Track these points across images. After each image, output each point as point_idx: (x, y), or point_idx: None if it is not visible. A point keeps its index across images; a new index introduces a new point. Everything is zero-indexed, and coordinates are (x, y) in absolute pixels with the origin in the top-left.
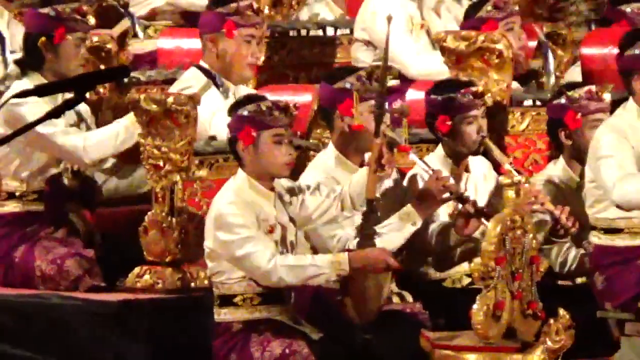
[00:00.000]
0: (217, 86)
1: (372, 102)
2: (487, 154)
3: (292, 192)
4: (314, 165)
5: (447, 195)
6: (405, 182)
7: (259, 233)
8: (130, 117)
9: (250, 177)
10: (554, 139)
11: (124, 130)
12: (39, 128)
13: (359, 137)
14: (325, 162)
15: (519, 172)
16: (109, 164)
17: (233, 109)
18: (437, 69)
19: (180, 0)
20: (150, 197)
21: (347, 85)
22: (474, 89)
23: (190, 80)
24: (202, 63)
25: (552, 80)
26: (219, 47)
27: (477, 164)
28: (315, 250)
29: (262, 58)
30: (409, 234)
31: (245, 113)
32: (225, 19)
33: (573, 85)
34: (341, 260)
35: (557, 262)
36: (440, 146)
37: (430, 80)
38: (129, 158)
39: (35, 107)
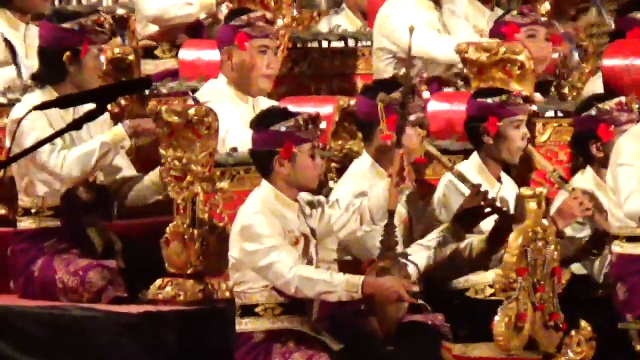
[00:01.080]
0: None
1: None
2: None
3: (312, 205)
4: (352, 174)
5: (488, 210)
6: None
7: (285, 243)
8: (110, 134)
9: (275, 188)
10: (582, 151)
11: (100, 148)
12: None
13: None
14: (362, 171)
15: (563, 180)
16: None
17: (261, 123)
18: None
19: (162, 14)
20: (170, 208)
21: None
22: (524, 93)
23: (205, 95)
24: (220, 77)
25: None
26: (234, 60)
27: (507, 180)
28: (356, 260)
29: (278, 69)
30: (456, 247)
31: (284, 129)
32: (238, 31)
33: (600, 98)
34: (356, 283)
35: (602, 273)
36: (475, 155)
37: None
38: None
39: (34, 122)
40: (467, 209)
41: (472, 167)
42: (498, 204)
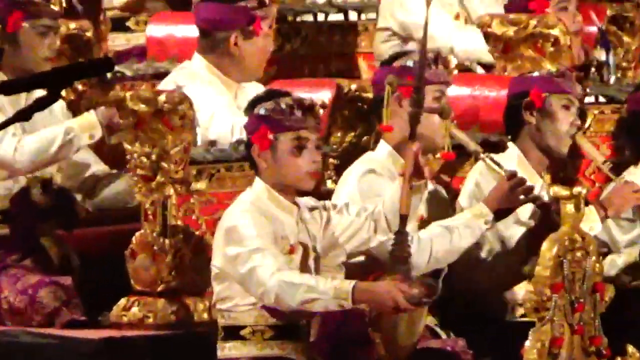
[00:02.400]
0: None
1: (437, 87)
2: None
3: (315, 210)
4: (363, 159)
5: (522, 197)
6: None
7: (272, 247)
8: (78, 119)
9: (269, 187)
10: (636, 135)
11: (62, 135)
12: None
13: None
14: (377, 158)
15: (613, 170)
16: (91, 171)
17: (250, 105)
18: (482, 45)
19: None
20: (137, 214)
21: (409, 63)
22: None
23: (178, 79)
24: (197, 58)
25: (613, 77)
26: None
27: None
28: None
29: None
30: (480, 234)
31: (262, 112)
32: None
33: None
34: (345, 289)
35: None
36: (512, 146)
37: (471, 60)
38: (115, 161)
39: None
40: (497, 193)
41: (510, 159)
42: (542, 197)
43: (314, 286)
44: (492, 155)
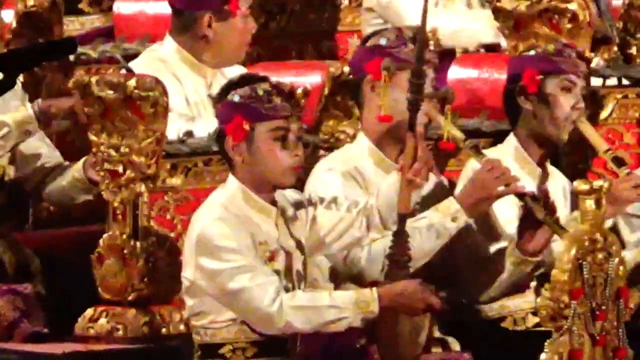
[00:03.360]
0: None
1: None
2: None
3: (299, 205)
4: (334, 155)
5: (503, 188)
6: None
7: (257, 262)
8: (13, 113)
9: (244, 186)
10: None
11: (13, 124)
12: None
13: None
14: (352, 154)
15: (616, 159)
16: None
17: (221, 92)
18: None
19: None
20: (104, 213)
21: (382, 42)
22: (581, 48)
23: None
24: (168, 39)
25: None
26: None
27: (556, 175)
28: (335, 273)
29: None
30: (447, 234)
31: (236, 99)
32: None
33: None
34: (368, 300)
35: None
36: (511, 137)
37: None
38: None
39: None
40: (475, 182)
41: (507, 150)
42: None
43: (333, 305)
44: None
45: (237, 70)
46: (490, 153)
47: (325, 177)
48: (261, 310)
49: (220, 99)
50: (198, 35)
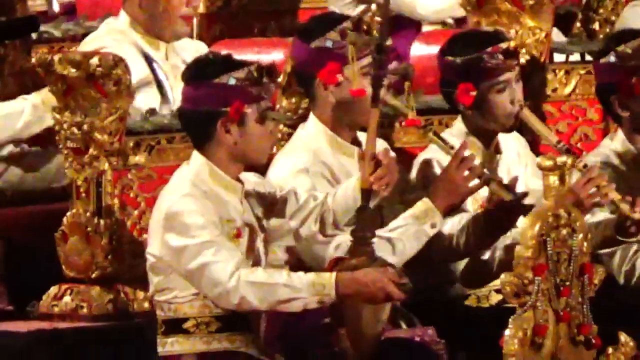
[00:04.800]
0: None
1: (365, 60)
2: (522, 130)
3: (260, 189)
4: (295, 147)
5: (474, 183)
6: (414, 171)
7: (222, 238)
8: (42, 94)
9: (212, 163)
10: (607, 108)
11: (31, 110)
12: None
13: (352, 108)
14: (311, 142)
15: (569, 152)
16: (7, 149)
17: (200, 73)
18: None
19: None
20: (68, 191)
21: (328, 44)
22: (503, 45)
23: (103, 39)
24: (122, 15)
25: None
26: None
27: (509, 141)
28: (301, 263)
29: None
30: (427, 239)
31: (233, 82)
32: None
33: (623, 36)
34: (326, 283)
35: (622, 271)
36: (459, 120)
37: (439, 21)
38: (39, 139)
39: None
40: (446, 180)
41: (457, 135)
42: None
43: (289, 284)
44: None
45: (190, 45)
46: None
47: (297, 180)
48: (220, 285)
49: (197, 79)
50: (146, 8)
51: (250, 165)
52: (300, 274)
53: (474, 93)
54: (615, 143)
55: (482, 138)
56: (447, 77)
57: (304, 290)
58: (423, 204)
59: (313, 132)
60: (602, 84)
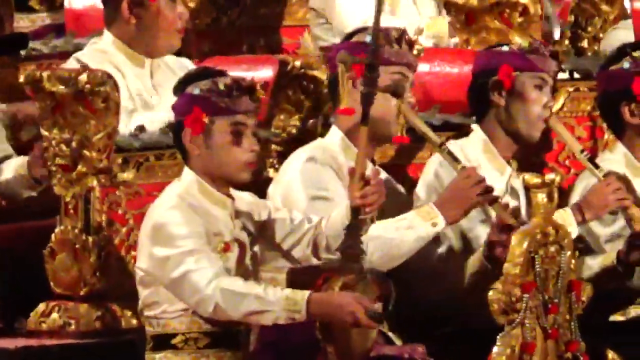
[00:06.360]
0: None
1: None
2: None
3: (254, 208)
4: (312, 145)
5: (480, 198)
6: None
7: (206, 248)
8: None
9: (200, 178)
10: (611, 117)
11: None
12: None
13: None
14: (327, 145)
15: (592, 161)
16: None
17: (180, 84)
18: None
19: None
20: (56, 208)
21: (367, 39)
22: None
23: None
24: (106, 34)
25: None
26: (136, 12)
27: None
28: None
29: (187, 16)
30: (427, 237)
31: (196, 92)
32: None
33: (635, 46)
34: (298, 300)
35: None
36: (477, 130)
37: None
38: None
39: None
40: (454, 189)
41: (475, 144)
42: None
43: (262, 296)
44: (453, 143)
45: (177, 61)
46: (458, 144)
47: (302, 166)
48: (199, 293)
49: (177, 91)
50: (125, 24)
51: (232, 183)
52: (278, 288)
53: (515, 73)
54: (617, 156)
55: (501, 146)
56: (485, 68)
57: (275, 304)
58: (427, 206)
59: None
60: (610, 92)
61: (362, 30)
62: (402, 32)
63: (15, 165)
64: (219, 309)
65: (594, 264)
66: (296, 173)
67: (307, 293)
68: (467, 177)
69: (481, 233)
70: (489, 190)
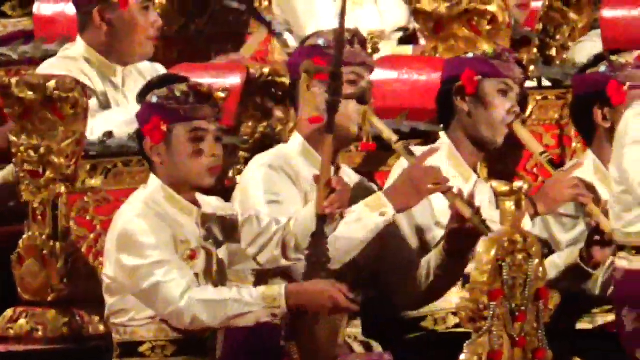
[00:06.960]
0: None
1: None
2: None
3: (221, 213)
4: (268, 152)
5: (432, 186)
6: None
7: (175, 258)
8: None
9: (166, 185)
10: (583, 122)
11: None
12: None
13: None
14: (286, 151)
15: (552, 163)
16: None
17: (141, 92)
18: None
19: None
20: (24, 214)
21: (320, 42)
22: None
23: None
24: (78, 41)
25: None
26: (109, 18)
27: (484, 188)
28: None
29: (160, 23)
30: (377, 228)
31: (154, 100)
32: None
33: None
34: (276, 295)
35: (599, 283)
36: (443, 137)
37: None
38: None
39: None
40: (404, 178)
41: (440, 150)
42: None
43: (238, 299)
44: (419, 149)
45: (151, 67)
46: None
47: (258, 172)
48: (172, 305)
49: (140, 100)
50: (96, 31)
51: (196, 188)
52: (251, 288)
53: (477, 78)
54: (585, 163)
55: (466, 153)
56: (451, 74)
57: (254, 304)
58: (375, 194)
59: (293, 142)
60: (584, 95)
61: (315, 34)
62: (355, 33)
63: (3, 173)
64: (196, 319)
65: (559, 262)
66: (251, 179)
67: (283, 286)
68: (418, 166)
69: (438, 235)
70: (441, 179)
